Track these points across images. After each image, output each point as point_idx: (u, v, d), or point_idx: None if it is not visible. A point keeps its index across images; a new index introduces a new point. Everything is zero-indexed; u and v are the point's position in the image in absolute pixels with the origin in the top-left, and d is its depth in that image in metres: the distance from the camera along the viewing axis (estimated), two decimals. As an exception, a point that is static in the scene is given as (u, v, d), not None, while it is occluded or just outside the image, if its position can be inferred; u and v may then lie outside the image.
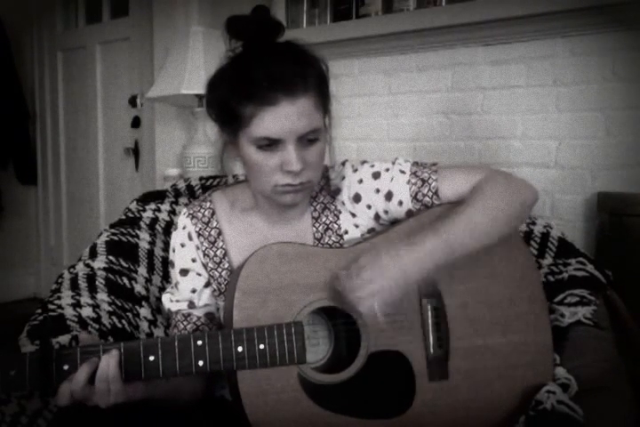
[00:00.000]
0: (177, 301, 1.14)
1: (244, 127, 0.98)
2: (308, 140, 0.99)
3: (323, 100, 1.01)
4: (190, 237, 1.13)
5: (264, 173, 1.00)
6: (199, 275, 1.13)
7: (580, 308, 1.21)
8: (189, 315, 1.13)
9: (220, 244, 1.12)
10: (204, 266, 1.13)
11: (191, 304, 1.13)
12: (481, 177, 1.07)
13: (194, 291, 1.13)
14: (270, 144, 0.98)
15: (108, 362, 0.89)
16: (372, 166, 1.12)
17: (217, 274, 1.12)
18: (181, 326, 1.12)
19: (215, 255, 1.12)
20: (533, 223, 1.39)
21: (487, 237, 1.01)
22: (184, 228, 1.14)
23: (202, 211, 1.14)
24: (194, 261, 1.13)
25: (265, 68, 0.96)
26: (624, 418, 1.08)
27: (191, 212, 1.14)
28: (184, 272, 1.13)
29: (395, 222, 1.12)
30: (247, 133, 0.98)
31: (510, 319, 1.07)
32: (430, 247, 0.96)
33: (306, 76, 0.97)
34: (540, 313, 1.09)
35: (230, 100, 0.98)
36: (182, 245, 1.13)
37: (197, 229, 1.13)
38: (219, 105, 1.03)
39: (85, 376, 0.87)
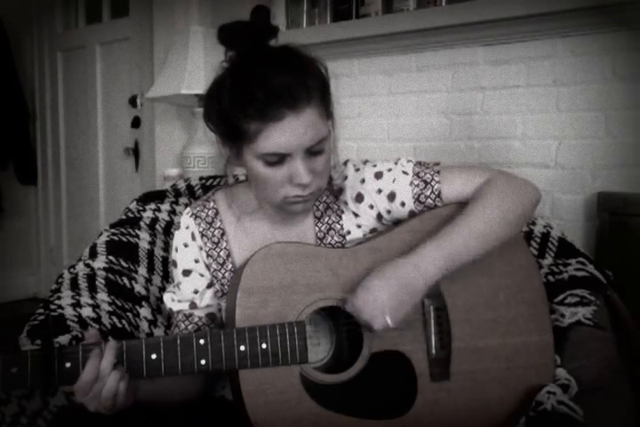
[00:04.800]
0: (179, 301, 1.13)
1: (249, 143, 0.96)
2: (314, 150, 0.97)
3: (326, 106, 1.00)
4: (193, 238, 1.13)
5: (272, 187, 0.99)
6: (202, 276, 1.13)
7: (581, 308, 1.21)
8: (191, 315, 1.12)
9: (224, 244, 1.12)
10: (207, 267, 1.12)
11: (193, 305, 1.13)
12: (483, 179, 1.07)
13: (196, 292, 1.12)
14: (277, 159, 0.96)
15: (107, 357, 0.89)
16: (375, 166, 1.12)
17: (220, 275, 1.12)
18: (182, 325, 1.12)
19: (219, 256, 1.12)
20: (533, 223, 1.38)
21: (487, 243, 1.01)
22: (187, 228, 1.13)
23: (205, 211, 1.13)
24: (196, 261, 1.12)
25: (265, 82, 0.92)
26: (624, 418, 1.08)
27: (194, 211, 1.14)
28: (186, 273, 1.13)
29: (397, 222, 1.12)
30: (253, 149, 0.96)
31: (511, 320, 1.07)
32: (431, 258, 0.97)
33: (307, 85, 0.95)
34: (541, 314, 1.09)
35: (232, 116, 0.96)
36: (185, 246, 1.13)
37: (201, 230, 1.12)
38: (219, 119, 1.00)
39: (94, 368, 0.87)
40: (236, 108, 0.95)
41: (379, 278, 0.96)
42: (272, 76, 0.93)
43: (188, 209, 1.15)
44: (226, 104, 0.96)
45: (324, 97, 0.99)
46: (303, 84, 0.94)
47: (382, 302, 0.94)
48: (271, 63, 0.95)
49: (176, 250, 1.14)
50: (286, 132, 0.93)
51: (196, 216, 1.13)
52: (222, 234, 1.12)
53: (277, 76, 0.93)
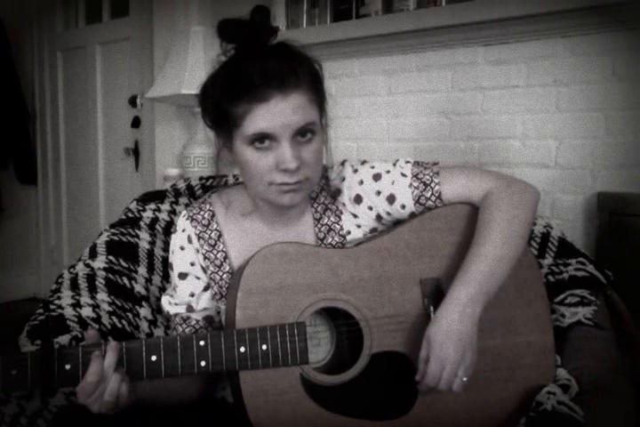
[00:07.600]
0: (175, 304, 1.13)
1: (238, 127, 0.97)
2: (303, 136, 0.98)
3: (317, 96, 1.01)
4: (190, 240, 1.12)
5: (259, 173, 0.99)
6: (198, 278, 1.12)
7: (581, 308, 1.21)
8: (188, 318, 1.12)
9: (221, 246, 1.11)
10: (204, 269, 1.12)
11: (189, 308, 1.12)
12: (484, 184, 1.06)
13: (192, 295, 1.12)
14: (265, 141, 0.97)
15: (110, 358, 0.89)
16: (373, 167, 1.11)
17: (218, 277, 1.11)
18: (180, 329, 1.12)
19: (216, 258, 1.11)
20: (533, 223, 1.38)
21: (512, 260, 1.01)
22: (183, 230, 1.13)
23: (201, 213, 1.13)
24: (192, 264, 1.12)
25: (255, 66, 0.95)
26: (624, 418, 1.08)
27: (190, 214, 1.13)
28: (182, 276, 1.12)
29: (397, 222, 1.12)
30: (241, 133, 0.97)
31: (512, 320, 1.07)
32: (467, 299, 0.97)
33: (297, 72, 0.97)
34: (541, 314, 1.09)
35: (223, 102, 0.98)
36: (182, 249, 1.13)
37: (197, 232, 1.12)
38: (212, 109, 1.02)
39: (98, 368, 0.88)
40: (226, 92, 0.97)
41: (433, 344, 0.96)
42: (263, 61, 0.96)
43: (185, 212, 1.15)
44: (218, 92, 0.99)
45: (314, 87, 1.00)
46: (293, 71, 0.96)
47: (448, 366, 0.95)
48: (265, 53, 0.98)
49: (172, 253, 1.14)
50: (272, 113, 0.95)
51: (192, 219, 1.13)
52: (219, 236, 1.12)
53: (268, 61, 0.96)
